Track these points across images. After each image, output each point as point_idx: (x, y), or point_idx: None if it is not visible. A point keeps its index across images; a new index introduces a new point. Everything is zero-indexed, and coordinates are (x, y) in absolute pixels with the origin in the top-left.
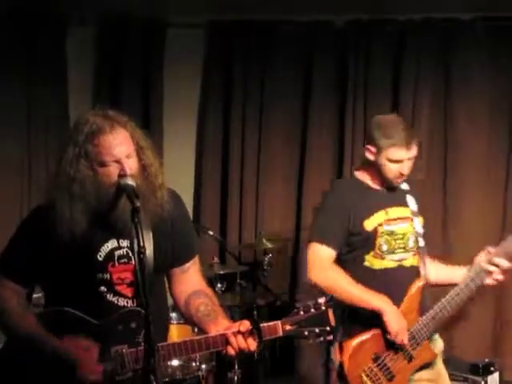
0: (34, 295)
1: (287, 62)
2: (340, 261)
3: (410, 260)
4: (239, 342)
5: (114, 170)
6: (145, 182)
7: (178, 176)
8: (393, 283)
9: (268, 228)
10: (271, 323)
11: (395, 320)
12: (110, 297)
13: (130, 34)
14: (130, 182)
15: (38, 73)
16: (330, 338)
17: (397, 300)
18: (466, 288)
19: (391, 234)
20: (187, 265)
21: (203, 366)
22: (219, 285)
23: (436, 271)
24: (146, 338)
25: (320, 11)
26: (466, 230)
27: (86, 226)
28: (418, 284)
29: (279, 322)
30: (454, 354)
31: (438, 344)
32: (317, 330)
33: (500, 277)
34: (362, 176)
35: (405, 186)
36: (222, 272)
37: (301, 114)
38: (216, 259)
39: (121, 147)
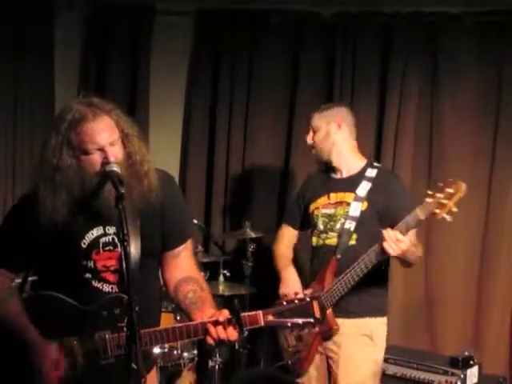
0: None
1: (275, 51)
2: None
3: (330, 239)
4: (219, 332)
5: (97, 159)
6: (130, 170)
7: (163, 164)
8: (319, 258)
9: (252, 217)
10: (252, 313)
11: (282, 286)
12: (95, 283)
13: (117, 21)
14: (115, 168)
15: (25, 57)
16: (316, 330)
17: (321, 271)
18: (367, 256)
19: (328, 216)
20: (178, 249)
21: (185, 354)
22: (202, 273)
23: None
24: (129, 325)
25: (308, 2)
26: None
27: (68, 214)
28: (331, 259)
29: (260, 312)
30: (434, 347)
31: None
32: (300, 322)
33: (392, 249)
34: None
35: (370, 173)
36: (205, 261)
37: (288, 103)
38: (200, 247)
39: (104, 134)
